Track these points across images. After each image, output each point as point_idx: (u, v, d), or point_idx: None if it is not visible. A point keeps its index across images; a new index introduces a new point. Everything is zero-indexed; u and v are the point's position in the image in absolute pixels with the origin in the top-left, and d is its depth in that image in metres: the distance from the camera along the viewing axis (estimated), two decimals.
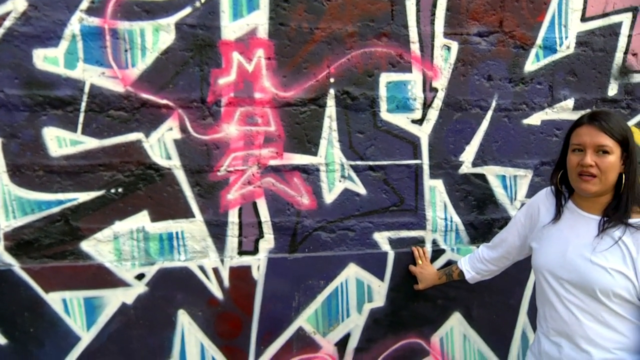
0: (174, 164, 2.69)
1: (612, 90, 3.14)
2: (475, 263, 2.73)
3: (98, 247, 2.67)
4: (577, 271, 2.17)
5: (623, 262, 2.09)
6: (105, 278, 2.67)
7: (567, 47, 3.05)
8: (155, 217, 2.72)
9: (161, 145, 2.67)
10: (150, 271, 2.72)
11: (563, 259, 2.22)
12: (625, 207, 2.12)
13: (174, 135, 2.68)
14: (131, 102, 2.60)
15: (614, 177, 2.13)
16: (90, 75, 2.55)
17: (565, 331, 2.24)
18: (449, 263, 3.02)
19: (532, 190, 3.05)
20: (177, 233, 2.75)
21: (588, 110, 2.39)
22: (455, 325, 3.12)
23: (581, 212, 2.25)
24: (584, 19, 3.06)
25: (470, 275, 2.75)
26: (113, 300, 2.69)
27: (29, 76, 2.50)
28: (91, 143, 2.59)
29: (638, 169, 2.17)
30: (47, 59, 2.50)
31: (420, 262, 2.96)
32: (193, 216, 2.75)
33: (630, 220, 2.11)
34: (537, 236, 2.40)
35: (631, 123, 3.15)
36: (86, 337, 2.69)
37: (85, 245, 2.66)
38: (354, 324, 2.98)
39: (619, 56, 3.13)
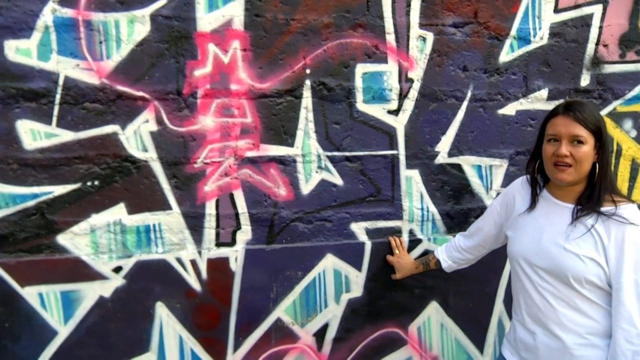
0: (151, 156, 2.68)
1: (585, 80, 3.18)
2: (452, 252, 2.76)
3: (74, 240, 2.65)
4: (551, 258, 2.21)
5: (595, 249, 2.13)
6: (82, 271, 2.66)
7: (540, 37, 3.08)
8: (132, 210, 2.71)
9: (137, 137, 2.65)
10: (128, 264, 2.71)
11: (538, 247, 2.26)
12: (598, 196, 2.17)
13: (150, 128, 2.66)
14: (106, 94, 2.58)
15: (588, 167, 2.18)
16: (65, 67, 2.52)
17: (540, 318, 2.28)
18: (426, 253, 3.04)
19: (508, 180, 3.09)
20: (154, 225, 2.74)
21: (562, 101, 2.42)
22: (433, 314, 3.14)
23: (556, 201, 2.29)
24: (557, 10, 3.09)
25: (447, 264, 2.77)
26: (90, 293, 2.68)
27: (1, 68, 2.46)
28: (66, 136, 2.57)
29: (610, 158, 2.22)
30: (19, 51, 2.47)
31: (397, 251, 2.98)
32: (170, 208, 2.75)
33: (602, 209, 2.15)
34: (512, 225, 2.44)
35: (603, 113, 3.19)
36: (63, 331, 2.67)
37: (62, 239, 2.64)
38: (332, 314, 3.00)
39: (590, 47, 3.16)
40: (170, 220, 2.75)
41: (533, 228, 2.32)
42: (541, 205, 2.35)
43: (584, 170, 2.17)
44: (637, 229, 2.11)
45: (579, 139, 2.14)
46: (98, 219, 2.67)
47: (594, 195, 2.18)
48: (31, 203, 2.58)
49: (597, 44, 3.16)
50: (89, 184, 2.63)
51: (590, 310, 2.19)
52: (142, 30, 2.58)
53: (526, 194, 2.43)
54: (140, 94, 2.62)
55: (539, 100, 3.12)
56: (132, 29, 2.57)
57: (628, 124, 3.26)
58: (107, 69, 2.57)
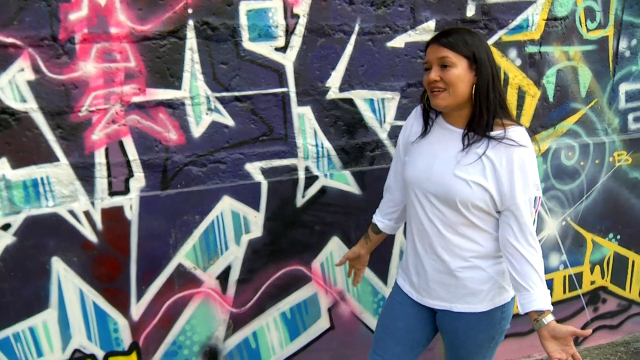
0: (31, 106, 2.57)
1: (470, 11, 3.22)
2: (383, 210, 2.70)
3: None
4: (441, 184, 2.25)
5: (482, 175, 2.18)
6: None
7: None
8: (16, 164, 2.60)
9: (13, 87, 2.53)
10: (17, 220, 2.61)
11: (430, 172, 2.29)
12: (487, 121, 2.19)
13: (26, 77, 2.54)
14: None
15: (464, 90, 2.18)
16: None
17: (429, 243, 2.36)
18: (323, 189, 3.07)
19: (401, 112, 3.14)
20: (42, 179, 2.65)
21: None
22: (335, 249, 3.19)
23: (449, 126, 2.31)
24: None
25: (383, 224, 2.69)
26: None
27: None
28: None
29: (496, 82, 2.22)
30: None
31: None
32: (57, 160, 2.65)
33: (492, 133, 2.18)
34: (409, 150, 2.45)
35: (490, 42, 3.25)
36: None
37: None
38: (234, 256, 3.00)
39: None
40: (58, 173, 2.66)
41: (427, 153, 2.34)
42: (436, 130, 2.37)
43: (460, 94, 2.18)
44: (525, 150, 2.16)
45: (445, 62, 2.16)
46: None
47: (482, 120, 2.19)
48: None
49: None
50: None
51: (476, 235, 2.28)
52: None
53: (422, 121, 2.45)
54: (11, 40, 2.48)
55: (427, 32, 3.14)
56: None
57: (513, 53, 3.34)
58: None
